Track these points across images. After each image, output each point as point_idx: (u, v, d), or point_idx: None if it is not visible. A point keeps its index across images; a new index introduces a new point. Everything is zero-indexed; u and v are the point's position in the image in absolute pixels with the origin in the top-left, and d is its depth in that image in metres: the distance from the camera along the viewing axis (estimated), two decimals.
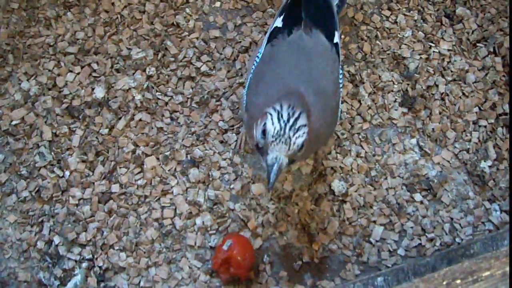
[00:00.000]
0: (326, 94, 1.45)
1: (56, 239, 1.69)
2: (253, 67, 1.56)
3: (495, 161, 1.81)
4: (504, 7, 1.96)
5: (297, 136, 1.28)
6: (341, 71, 1.56)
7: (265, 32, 1.86)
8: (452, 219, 1.76)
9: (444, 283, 1.39)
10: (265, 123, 1.29)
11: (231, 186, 1.74)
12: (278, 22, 1.56)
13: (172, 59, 1.86)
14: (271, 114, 1.29)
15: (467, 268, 1.40)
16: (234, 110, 1.81)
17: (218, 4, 1.94)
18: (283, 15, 1.57)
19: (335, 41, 1.53)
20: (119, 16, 1.89)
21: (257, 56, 1.56)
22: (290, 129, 1.27)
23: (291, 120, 1.28)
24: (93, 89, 1.82)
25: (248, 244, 1.65)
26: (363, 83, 1.86)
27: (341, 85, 1.55)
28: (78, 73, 1.83)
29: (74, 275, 1.67)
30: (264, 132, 1.29)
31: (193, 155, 1.76)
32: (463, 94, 1.87)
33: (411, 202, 1.76)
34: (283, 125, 1.28)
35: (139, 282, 1.66)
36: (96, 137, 1.78)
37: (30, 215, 1.71)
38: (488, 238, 1.57)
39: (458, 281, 1.39)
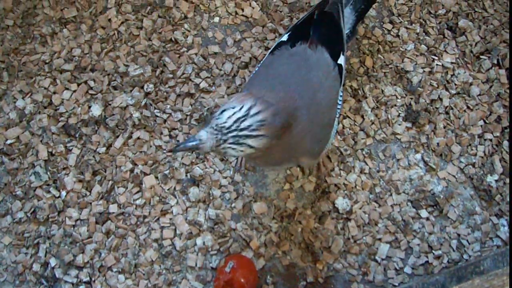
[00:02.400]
0: (319, 108, 1.40)
1: (52, 261, 1.66)
2: (252, 74, 1.54)
3: (501, 175, 1.78)
4: (506, 18, 1.94)
5: (236, 141, 1.17)
6: (341, 93, 1.53)
7: (266, 48, 1.85)
8: (459, 235, 1.72)
9: None
10: (227, 107, 1.19)
11: (232, 205, 1.71)
12: (284, 37, 1.55)
13: (171, 75, 1.83)
14: (237, 109, 1.18)
15: (479, 286, 1.37)
16: None
17: (217, 19, 1.91)
18: (290, 32, 1.55)
19: (339, 62, 1.51)
20: (116, 32, 1.87)
21: (258, 66, 1.54)
22: (233, 135, 1.17)
23: (244, 131, 1.18)
24: (89, 107, 1.78)
25: (251, 265, 1.61)
26: (366, 98, 1.83)
27: (339, 106, 1.52)
28: (75, 91, 1.80)
29: None
30: (222, 112, 1.18)
31: (193, 173, 1.73)
32: (468, 107, 1.84)
33: (417, 219, 1.73)
34: (232, 126, 1.17)
35: None
36: (93, 156, 1.74)
37: (26, 237, 1.68)
38: (497, 254, 1.53)
39: None
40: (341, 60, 1.52)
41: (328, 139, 1.49)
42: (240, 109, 1.18)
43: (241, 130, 1.17)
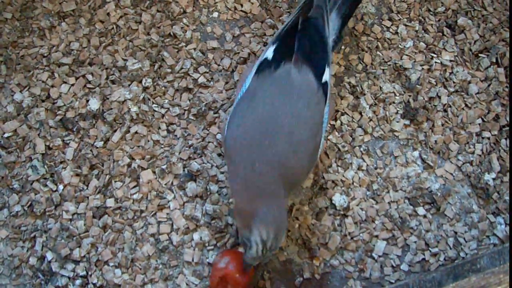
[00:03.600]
0: (301, 141, 1.45)
1: (49, 255, 1.65)
2: (239, 96, 1.55)
3: (499, 173, 1.78)
4: (505, 17, 1.93)
5: (274, 249, 1.43)
6: (326, 109, 1.54)
7: (264, 43, 1.84)
8: (456, 233, 1.72)
9: None
10: (249, 247, 1.41)
11: (230, 201, 1.70)
12: (270, 52, 1.54)
13: (169, 70, 1.82)
14: (256, 244, 1.40)
15: (476, 283, 1.37)
16: None
17: (216, 14, 1.91)
18: (275, 45, 1.55)
19: (323, 81, 1.51)
20: (114, 26, 1.86)
21: (244, 85, 1.55)
22: (270, 250, 1.42)
23: (273, 247, 1.42)
24: (87, 100, 1.78)
25: None
26: (364, 94, 1.83)
27: (324, 124, 1.54)
28: (73, 85, 1.80)
29: None
30: (250, 248, 1.41)
31: (191, 168, 1.72)
32: (466, 105, 1.84)
33: (414, 216, 1.73)
34: (264, 252, 1.41)
35: None
36: (91, 150, 1.74)
37: (22, 230, 1.67)
38: (494, 252, 1.53)
39: None
40: (326, 75, 1.52)
41: (317, 157, 1.55)
42: (257, 243, 1.40)
43: (270, 248, 1.42)
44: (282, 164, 1.40)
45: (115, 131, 1.76)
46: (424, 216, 1.73)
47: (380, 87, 1.84)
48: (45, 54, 1.83)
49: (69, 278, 1.64)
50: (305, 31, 1.55)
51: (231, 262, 1.55)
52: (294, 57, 1.49)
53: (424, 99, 1.83)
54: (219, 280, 1.54)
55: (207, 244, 1.67)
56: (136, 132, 1.76)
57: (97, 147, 1.74)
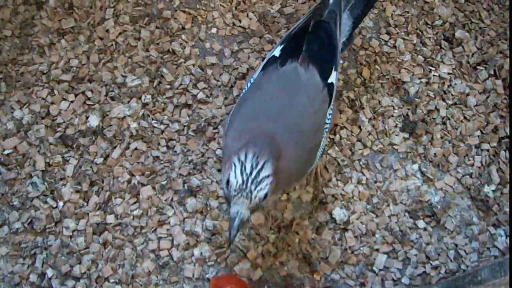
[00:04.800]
0: (303, 134, 1.42)
1: (49, 272, 1.65)
2: (244, 90, 1.54)
3: (498, 185, 1.78)
4: (503, 29, 1.94)
5: (259, 189, 1.27)
6: (330, 111, 1.53)
7: (263, 59, 1.85)
8: (456, 245, 1.72)
9: None
10: (229, 174, 1.28)
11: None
12: (277, 51, 1.54)
13: (168, 86, 1.83)
14: (235, 165, 1.27)
15: None
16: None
17: (214, 30, 1.92)
18: (283, 45, 1.54)
19: (330, 81, 1.50)
20: (114, 43, 1.87)
21: (250, 81, 1.54)
22: (252, 182, 1.26)
23: (254, 173, 1.26)
24: (87, 117, 1.78)
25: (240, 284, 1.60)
26: (363, 108, 1.83)
27: (327, 125, 1.53)
28: (72, 101, 1.80)
29: None
30: (228, 183, 1.28)
31: (190, 184, 1.73)
32: (465, 117, 1.85)
33: (415, 229, 1.73)
34: (245, 178, 1.26)
35: None
36: (91, 167, 1.74)
37: (23, 247, 1.67)
38: (495, 264, 1.53)
39: None
40: (333, 77, 1.51)
41: (314, 160, 1.51)
42: (235, 164, 1.26)
43: (251, 173, 1.26)
44: (281, 149, 1.35)
45: (114, 147, 1.76)
46: (425, 229, 1.73)
47: (379, 101, 1.85)
48: (45, 71, 1.83)
49: None
50: (316, 33, 1.53)
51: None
52: (301, 57, 1.48)
53: (422, 112, 1.84)
54: None
55: (207, 260, 1.67)
56: (135, 149, 1.76)
57: (97, 164, 1.75)
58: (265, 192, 1.27)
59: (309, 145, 1.45)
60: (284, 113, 1.40)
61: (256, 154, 1.27)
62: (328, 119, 1.53)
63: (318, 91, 1.47)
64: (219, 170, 1.75)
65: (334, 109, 1.59)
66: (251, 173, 1.26)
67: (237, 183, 1.26)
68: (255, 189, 1.26)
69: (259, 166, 1.27)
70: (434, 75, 1.88)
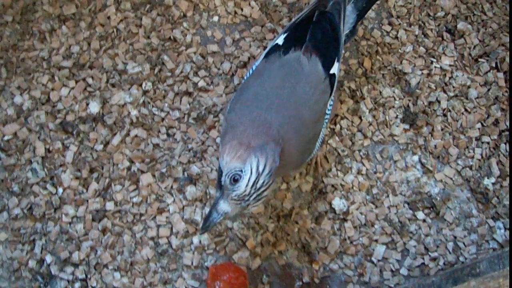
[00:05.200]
0: (304, 123, 1.42)
1: (48, 258, 1.65)
2: (246, 77, 1.54)
3: (498, 178, 1.78)
4: (505, 22, 1.94)
5: (256, 204, 1.29)
6: (331, 102, 1.53)
7: (265, 47, 1.85)
8: (455, 237, 1.72)
9: None
10: (241, 176, 1.26)
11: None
12: (280, 40, 1.54)
13: (169, 74, 1.82)
14: (251, 173, 1.26)
15: (474, 287, 1.37)
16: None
17: (216, 18, 1.91)
18: (286, 34, 1.54)
19: (331, 72, 1.50)
20: (115, 30, 1.86)
21: (252, 69, 1.54)
22: (255, 197, 1.27)
23: (262, 189, 1.27)
24: (87, 104, 1.78)
25: (238, 273, 1.61)
26: (364, 99, 1.83)
27: (327, 116, 1.53)
28: (73, 88, 1.80)
29: None
30: (235, 182, 1.26)
31: (190, 172, 1.72)
32: (466, 110, 1.84)
33: (414, 221, 1.73)
34: (253, 191, 1.26)
35: None
36: (91, 153, 1.74)
37: (22, 233, 1.67)
38: (494, 256, 1.53)
39: None
40: (335, 68, 1.51)
41: (314, 149, 1.51)
42: (251, 171, 1.26)
43: (259, 189, 1.26)
44: (282, 135, 1.35)
45: (115, 134, 1.76)
46: (424, 221, 1.73)
47: (380, 92, 1.84)
48: (46, 57, 1.83)
49: (68, 281, 1.63)
50: (320, 24, 1.53)
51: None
52: (305, 46, 1.48)
53: (423, 103, 1.83)
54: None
55: (206, 248, 1.67)
56: (136, 136, 1.76)
57: (97, 151, 1.74)
58: (264, 199, 1.29)
59: (309, 135, 1.45)
60: (285, 102, 1.40)
61: (271, 165, 1.27)
62: (329, 109, 1.53)
63: (320, 81, 1.47)
64: (218, 159, 1.75)
65: (335, 100, 1.59)
66: (259, 189, 1.27)
67: (243, 192, 1.26)
68: (254, 203, 1.28)
69: (269, 183, 1.28)
70: (435, 67, 1.88)
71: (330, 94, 1.51)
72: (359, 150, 1.79)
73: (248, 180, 1.26)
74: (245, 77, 1.55)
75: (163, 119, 1.78)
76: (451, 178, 1.78)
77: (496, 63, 1.89)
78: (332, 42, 1.53)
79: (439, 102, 1.84)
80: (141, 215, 1.69)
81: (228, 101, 1.79)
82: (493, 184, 1.77)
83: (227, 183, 1.27)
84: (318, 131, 1.49)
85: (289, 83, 1.43)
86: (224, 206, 1.28)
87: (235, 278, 1.59)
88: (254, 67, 1.53)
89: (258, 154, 1.27)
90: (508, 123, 1.82)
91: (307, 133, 1.44)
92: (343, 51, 1.58)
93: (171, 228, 1.68)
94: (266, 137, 1.31)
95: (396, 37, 1.91)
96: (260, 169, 1.26)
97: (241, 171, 1.26)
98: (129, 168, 1.73)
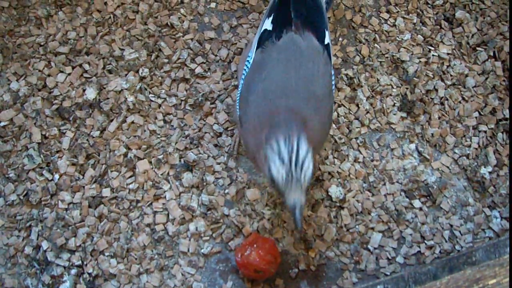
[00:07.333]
0: (318, 99, 1.42)
1: (45, 245, 1.64)
2: (244, 72, 1.53)
3: (495, 167, 1.78)
4: (504, 11, 1.93)
5: (306, 170, 1.25)
6: (333, 72, 1.53)
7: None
8: (451, 226, 1.72)
9: None
10: (270, 170, 1.26)
11: (226, 191, 1.70)
12: (268, 24, 1.53)
13: (166, 60, 1.82)
14: (271, 159, 1.25)
15: (471, 276, 1.37)
16: (229, 113, 1.77)
17: (213, 5, 1.90)
18: (272, 16, 1.54)
19: (326, 42, 1.51)
20: (112, 16, 1.85)
21: (248, 61, 1.53)
22: (295, 168, 1.24)
23: (293, 158, 1.24)
24: (84, 90, 1.77)
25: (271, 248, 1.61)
26: (361, 86, 1.83)
27: (333, 86, 1.53)
28: (69, 74, 1.79)
29: (62, 282, 1.62)
30: (272, 180, 1.26)
31: (187, 159, 1.72)
32: (463, 98, 1.84)
33: (410, 209, 1.73)
34: (288, 168, 1.24)
35: None
36: (87, 140, 1.74)
37: (18, 220, 1.66)
38: (490, 245, 1.53)
39: None
40: (327, 38, 1.52)
41: (331, 122, 1.52)
42: (271, 158, 1.25)
43: (290, 160, 1.24)
44: (304, 116, 1.35)
45: (111, 120, 1.75)
46: (420, 209, 1.73)
47: (377, 80, 1.84)
48: (42, 43, 1.82)
49: (64, 267, 1.63)
50: None
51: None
52: (295, 25, 1.48)
53: (421, 92, 1.83)
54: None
55: (202, 235, 1.67)
56: (132, 122, 1.75)
57: (93, 137, 1.74)
58: (311, 169, 1.26)
59: (327, 108, 1.46)
60: (295, 87, 1.40)
61: (286, 136, 1.26)
62: (333, 79, 1.53)
63: (319, 54, 1.47)
64: (216, 145, 1.74)
65: (339, 84, 1.59)
66: (290, 159, 1.24)
67: (282, 177, 1.25)
68: (301, 172, 1.25)
69: (295, 148, 1.25)
70: (433, 55, 1.88)
71: (330, 64, 1.52)
72: (356, 138, 1.78)
73: (275, 165, 1.25)
74: (244, 70, 1.54)
75: (159, 106, 1.78)
76: (448, 167, 1.77)
77: (494, 52, 1.89)
78: (317, 13, 1.54)
79: (436, 90, 1.84)
80: (137, 201, 1.69)
81: (226, 88, 1.79)
82: (490, 173, 1.77)
83: (273, 186, 1.28)
84: (331, 103, 1.50)
85: (292, 67, 1.43)
86: (289, 200, 1.27)
87: (265, 242, 1.59)
88: (250, 59, 1.52)
89: (271, 138, 1.27)
90: (505, 112, 1.82)
91: (324, 108, 1.44)
92: (327, 20, 1.58)
93: (168, 215, 1.68)
94: (295, 123, 1.30)
95: (394, 25, 1.91)
96: (275, 148, 1.25)
97: (270, 171, 1.26)
98: (125, 155, 1.73)
